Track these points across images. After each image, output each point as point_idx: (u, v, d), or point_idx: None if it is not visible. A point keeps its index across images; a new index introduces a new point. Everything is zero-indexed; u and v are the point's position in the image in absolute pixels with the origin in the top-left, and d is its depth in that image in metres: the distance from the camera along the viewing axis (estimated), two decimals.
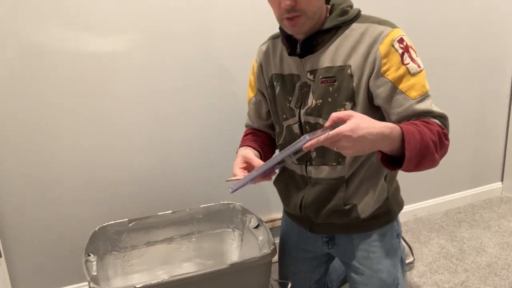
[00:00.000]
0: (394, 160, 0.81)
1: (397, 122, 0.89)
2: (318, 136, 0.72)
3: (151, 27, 1.41)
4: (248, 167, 0.98)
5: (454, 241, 1.86)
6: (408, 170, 0.81)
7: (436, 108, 0.89)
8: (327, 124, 0.75)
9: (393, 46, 0.87)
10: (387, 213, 1.06)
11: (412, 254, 1.73)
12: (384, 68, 0.88)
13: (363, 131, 0.71)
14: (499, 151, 2.29)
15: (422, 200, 2.14)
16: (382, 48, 0.88)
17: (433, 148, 0.80)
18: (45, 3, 1.28)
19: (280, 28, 1.01)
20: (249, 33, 1.54)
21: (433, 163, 0.83)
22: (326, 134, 0.71)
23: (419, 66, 0.89)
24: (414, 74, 0.88)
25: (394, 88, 0.88)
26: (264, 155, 1.10)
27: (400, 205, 1.11)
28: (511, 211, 2.13)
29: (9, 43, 1.27)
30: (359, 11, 0.96)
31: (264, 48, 1.11)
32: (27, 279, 1.45)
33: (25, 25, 1.27)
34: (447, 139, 0.86)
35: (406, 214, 2.08)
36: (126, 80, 1.42)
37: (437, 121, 0.87)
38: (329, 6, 0.96)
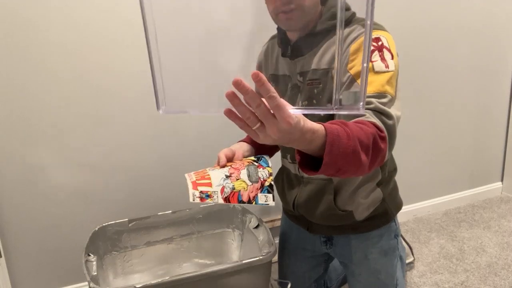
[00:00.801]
0: (313, 162, 0.69)
1: None
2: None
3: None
4: (231, 157, 1.00)
5: (454, 241, 1.86)
6: (328, 174, 0.68)
7: (384, 106, 0.79)
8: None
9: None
10: (384, 214, 1.06)
11: (412, 254, 1.73)
12: (350, 65, 0.85)
13: (301, 123, 0.59)
14: (499, 151, 2.29)
15: (422, 200, 2.14)
16: (353, 46, 0.85)
17: (360, 152, 0.67)
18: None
19: (277, 29, 1.01)
20: (250, 33, 1.54)
21: (360, 169, 0.70)
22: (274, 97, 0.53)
23: (387, 67, 0.83)
24: (377, 72, 0.82)
25: (352, 81, 0.83)
26: (258, 150, 1.12)
27: (398, 206, 1.11)
28: (511, 211, 2.12)
29: (8, 43, 1.27)
30: (353, 14, 0.94)
31: (264, 48, 1.12)
32: (27, 279, 1.45)
33: (24, 25, 1.27)
34: (384, 142, 0.74)
35: (406, 214, 2.08)
36: (125, 80, 1.42)
37: (374, 120, 0.76)
38: (323, 8, 0.94)
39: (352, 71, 0.84)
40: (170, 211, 1.32)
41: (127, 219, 1.28)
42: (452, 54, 1.97)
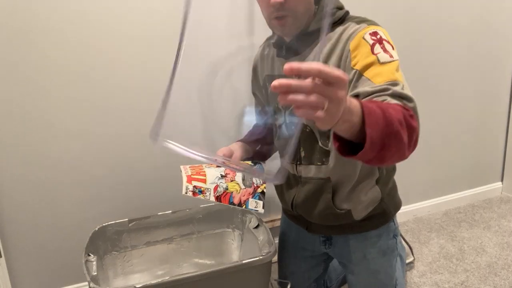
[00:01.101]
0: (352, 148, 0.65)
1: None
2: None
3: (150, 26, 1.41)
4: (229, 156, 1.01)
5: (454, 241, 1.86)
6: (371, 157, 0.62)
7: (401, 90, 0.77)
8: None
9: (363, 38, 0.84)
10: (382, 214, 1.06)
11: (412, 254, 1.73)
12: (353, 62, 0.85)
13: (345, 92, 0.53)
14: (499, 151, 2.29)
15: (422, 200, 2.14)
16: (353, 43, 0.85)
17: (398, 125, 0.63)
18: None
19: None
20: (250, 33, 1.54)
21: (401, 147, 0.65)
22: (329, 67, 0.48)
23: (391, 57, 0.82)
24: (384, 63, 0.81)
25: (359, 76, 0.83)
26: (257, 151, 1.13)
27: (397, 206, 1.11)
28: (511, 211, 2.12)
29: (9, 40, 1.27)
30: (346, 13, 0.95)
31: (260, 50, 1.13)
32: (27, 279, 1.45)
33: (24, 25, 1.27)
34: (414, 120, 0.69)
35: (406, 214, 2.08)
36: (124, 79, 1.42)
37: (397, 102, 0.73)
38: (316, 8, 0.95)
39: (358, 66, 0.83)
40: (170, 211, 1.32)
41: (127, 219, 1.28)
42: (451, 53, 1.97)
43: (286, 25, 0.89)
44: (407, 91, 0.77)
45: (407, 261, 1.69)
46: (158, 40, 1.43)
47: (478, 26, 1.99)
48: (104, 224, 1.24)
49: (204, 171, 0.94)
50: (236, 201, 0.91)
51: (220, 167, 0.96)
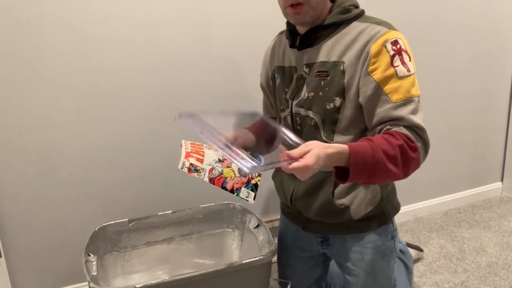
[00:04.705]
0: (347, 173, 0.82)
1: (377, 124, 0.91)
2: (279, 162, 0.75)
3: (149, 27, 1.41)
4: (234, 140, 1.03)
5: (454, 241, 1.86)
6: (359, 181, 0.84)
7: (414, 117, 0.87)
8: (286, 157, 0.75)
9: (385, 46, 0.88)
10: (381, 215, 1.06)
11: (421, 250, 1.74)
12: (371, 68, 0.89)
13: (314, 167, 0.73)
14: (499, 151, 2.28)
15: (422, 200, 2.14)
16: (374, 47, 0.88)
17: (385, 162, 0.80)
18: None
19: (286, 23, 1.03)
20: (251, 31, 1.54)
21: (390, 176, 0.83)
22: (287, 164, 0.73)
23: (408, 70, 0.89)
24: (401, 77, 0.88)
25: (378, 89, 0.89)
26: (258, 140, 1.14)
27: (396, 208, 1.11)
28: (511, 211, 2.12)
29: (12, 40, 1.27)
30: (362, 11, 0.97)
31: (272, 43, 1.15)
32: (27, 279, 1.45)
33: (23, 24, 1.27)
34: (415, 151, 0.85)
35: (406, 214, 2.08)
36: (125, 79, 1.42)
37: (406, 132, 0.85)
38: (332, 3, 0.97)
39: (376, 77, 0.88)
40: (170, 211, 1.33)
41: (127, 219, 1.28)
42: (451, 53, 1.97)
43: (301, 13, 0.92)
44: (419, 113, 0.89)
45: (417, 257, 1.70)
46: (158, 41, 1.43)
47: (478, 26, 1.99)
48: (104, 224, 1.24)
49: (203, 151, 0.95)
50: (229, 187, 0.93)
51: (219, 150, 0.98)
